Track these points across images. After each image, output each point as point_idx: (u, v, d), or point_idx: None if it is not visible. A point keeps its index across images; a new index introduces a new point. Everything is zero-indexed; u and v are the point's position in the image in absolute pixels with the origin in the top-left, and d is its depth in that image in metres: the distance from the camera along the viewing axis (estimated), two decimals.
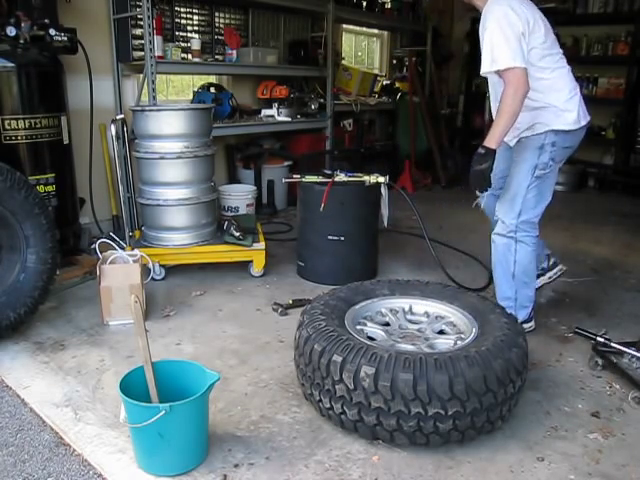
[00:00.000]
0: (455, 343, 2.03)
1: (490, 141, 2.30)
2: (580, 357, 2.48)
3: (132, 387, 1.71)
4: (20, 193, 2.48)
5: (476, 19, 7.32)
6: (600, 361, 2.37)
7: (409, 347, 2.02)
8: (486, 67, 2.28)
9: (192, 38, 4.43)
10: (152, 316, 2.84)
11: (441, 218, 4.87)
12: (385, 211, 3.33)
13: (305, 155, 5.07)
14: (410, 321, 2.29)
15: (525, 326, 2.55)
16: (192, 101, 4.65)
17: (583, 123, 2.43)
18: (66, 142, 3.35)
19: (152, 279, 3.26)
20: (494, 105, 2.42)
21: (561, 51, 2.45)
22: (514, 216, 2.48)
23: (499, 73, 2.26)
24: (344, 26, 6.44)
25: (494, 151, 2.32)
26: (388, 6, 6.42)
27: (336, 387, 1.81)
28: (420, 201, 5.25)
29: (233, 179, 5.10)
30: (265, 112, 4.95)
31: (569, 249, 4.06)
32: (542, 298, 3.14)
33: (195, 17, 4.64)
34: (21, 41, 3.06)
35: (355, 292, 2.34)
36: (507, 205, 2.52)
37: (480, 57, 2.30)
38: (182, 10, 4.53)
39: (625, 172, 6.13)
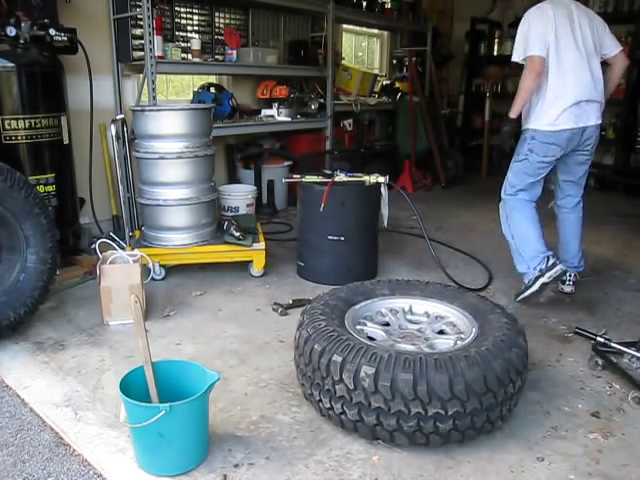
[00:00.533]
0: (455, 343, 2.03)
1: (511, 111, 2.91)
2: (580, 357, 2.48)
3: (132, 387, 1.71)
4: (20, 193, 2.48)
5: (476, 19, 7.36)
6: (600, 361, 2.37)
7: (409, 347, 2.02)
8: (514, 56, 2.87)
9: (192, 38, 4.43)
10: (152, 316, 2.84)
11: (441, 218, 4.87)
12: (385, 211, 3.33)
13: (305, 155, 5.07)
14: (410, 321, 2.28)
15: (550, 273, 2.83)
16: (192, 101, 4.65)
17: (561, 127, 2.83)
18: (66, 142, 3.35)
19: (152, 279, 3.26)
20: None
21: (576, 63, 2.80)
22: (504, 191, 3.11)
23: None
24: (344, 26, 6.44)
25: (513, 119, 2.92)
26: (388, 6, 6.42)
27: (336, 387, 1.81)
28: (420, 201, 5.26)
29: (233, 179, 5.10)
30: (265, 112, 4.95)
31: None
32: (542, 298, 3.14)
33: (195, 17, 4.64)
34: (21, 41, 3.06)
35: (355, 292, 2.34)
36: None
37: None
38: (182, 10, 4.53)
39: (625, 172, 6.13)
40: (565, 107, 2.79)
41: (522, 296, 2.95)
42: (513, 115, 2.88)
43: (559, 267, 2.83)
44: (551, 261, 2.84)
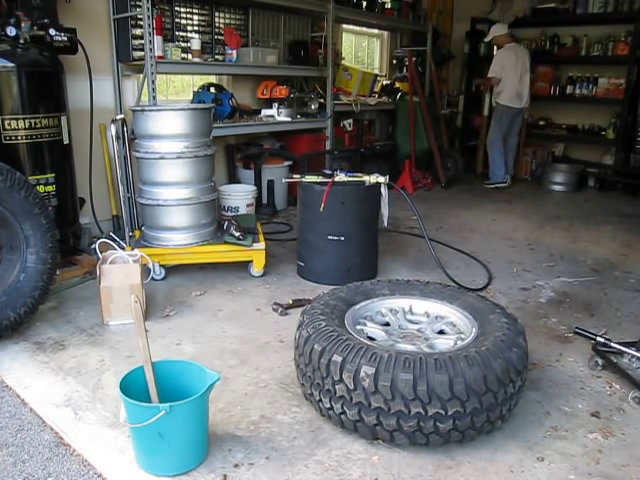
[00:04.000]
0: (455, 343, 2.03)
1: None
2: (580, 357, 2.48)
3: (132, 387, 1.71)
4: (20, 193, 2.48)
5: (476, 19, 7.39)
6: (600, 361, 2.37)
7: (409, 347, 2.02)
8: (489, 74, 6.15)
9: (192, 38, 4.42)
10: (152, 316, 2.84)
11: (441, 218, 4.87)
12: (385, 211, 3.33)
13: (305, 155, 5.07)
14: (410, 321, 2.29)
15: (506, 181, 6.27)
16: (192, 101, 4.65)
17: (509, 104, 6.04)
18: (66, 142, 3.35)
19: (152, 279, 3.26)
20: None
21: (515, 75, 5.99)
22: (490, 138, 6.24)
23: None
24: (344, 26, 6.44)
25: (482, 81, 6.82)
26: (388, 6, 6.41)
27: (336, 387, 1.81)
28: (420, 201, 5.27)
29: (233, 179, 5.10)
30: (265, 112, 4.95)
31: (569, 249, 4.07)
32: (542, 298, 3.14)
33: (195, 17, 4.63)
34: (21, 41, 3.06)
35: (355, 292, 2.34)
36: None
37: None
38: (182, 10, 4.52)
39: (625, 172, 6.13)
40: (512, 95, 6.00)
41: (491, 186, 6.22)
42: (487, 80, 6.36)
43: (509, 181, 6.24)
44: (507, 176, 6.23)
